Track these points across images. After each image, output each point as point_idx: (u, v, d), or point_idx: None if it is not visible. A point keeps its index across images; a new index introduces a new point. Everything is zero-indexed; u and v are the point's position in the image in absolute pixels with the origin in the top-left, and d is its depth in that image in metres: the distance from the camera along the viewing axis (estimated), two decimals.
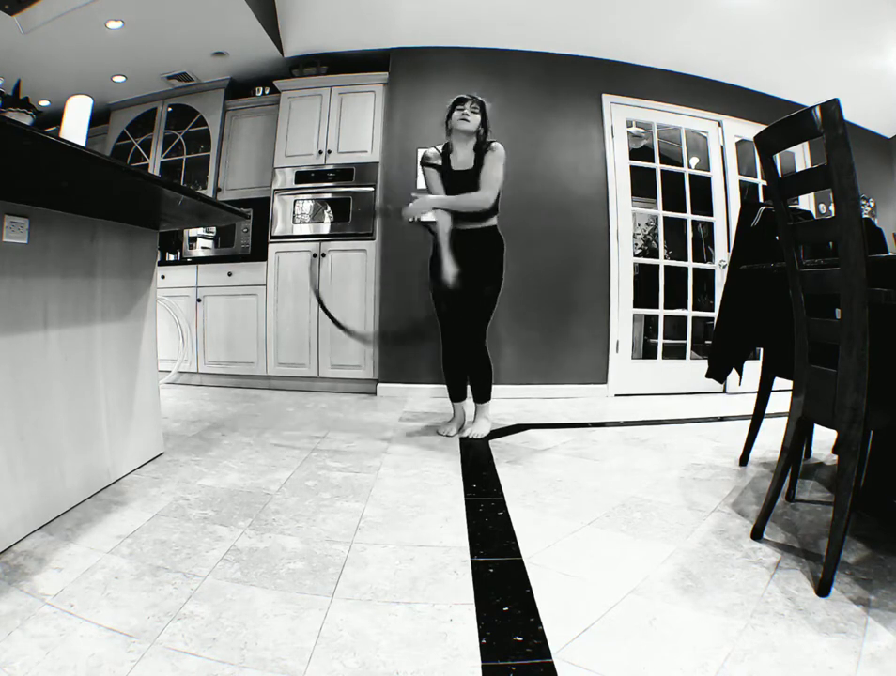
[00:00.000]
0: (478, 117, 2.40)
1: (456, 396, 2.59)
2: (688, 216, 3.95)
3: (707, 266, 4.08)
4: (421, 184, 3.46)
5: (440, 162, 2.46)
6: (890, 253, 2.00)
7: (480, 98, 2.43)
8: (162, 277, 3.80)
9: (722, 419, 3.05)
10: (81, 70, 3.73)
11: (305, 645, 0.98)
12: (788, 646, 0.98)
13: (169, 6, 3.10)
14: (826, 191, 1.17)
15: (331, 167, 3.76)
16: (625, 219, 3.80)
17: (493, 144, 2.41)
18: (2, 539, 1.28)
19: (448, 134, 2.47)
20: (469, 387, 2.56)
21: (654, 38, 3.62)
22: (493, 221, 2.45)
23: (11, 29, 3.04)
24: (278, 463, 2.07)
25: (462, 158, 2.43)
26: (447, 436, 2.52)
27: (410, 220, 2.40)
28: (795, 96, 4.00)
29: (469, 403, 2.63)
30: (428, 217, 2.41)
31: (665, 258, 3.99)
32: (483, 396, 2.52)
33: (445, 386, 2.62)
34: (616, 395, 3.74)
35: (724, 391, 3.84)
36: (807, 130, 1.19)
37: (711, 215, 4.00)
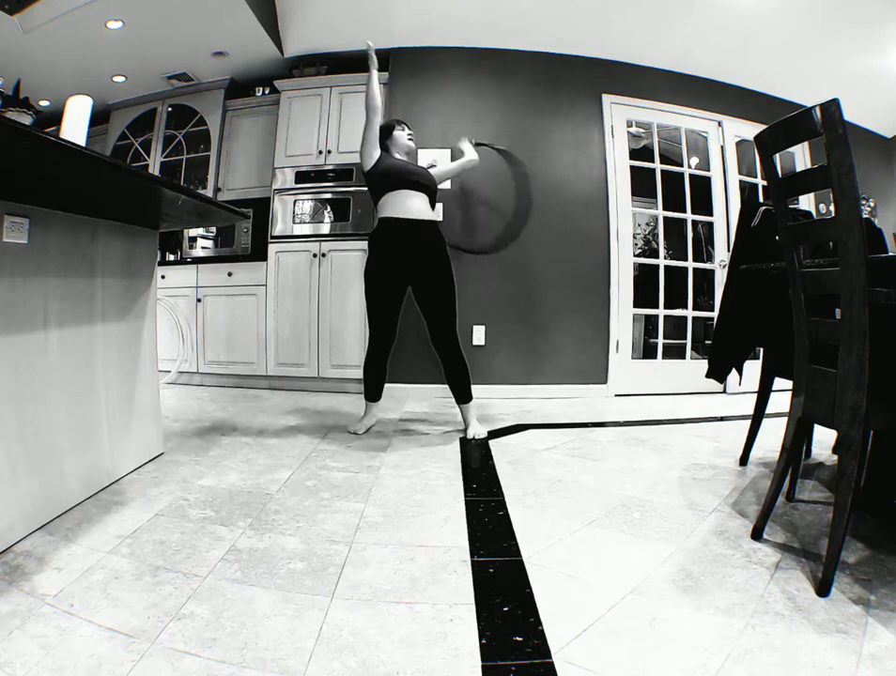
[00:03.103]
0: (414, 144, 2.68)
1: (374, 396, 2.62)
2: (688, 216, 3.95)
3: (707, 266, 4.08)
4: None
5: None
6: (890, 253, 2.00)
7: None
8: (162, 277, 3.81)
9: (722, 419, 3.05)
10: (81, 70, 3.73)
11: (305, 645, 0.98)
12: (788, 646, 0.98)
13: (169, 6, 3.10)
14: (826, 191, 1.17)
15: (331, 167, 3.76)
16: (625, 219, 3.80)
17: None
18: (2, 539, 1.28)
19: (386, 140, 2.60)
20: (452, 391, 2.55)
21: (654, 39, 3.61)
22: (439, 215, 2.56)
23: (11, 29, 3.04)
24: (278, 463, 2.08)
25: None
26: (355, 433, 2.55)
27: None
28: (795, 96, 4.00)
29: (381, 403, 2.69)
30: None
31: (665, 258, 3.99)
32: (469, 396, 2.54)
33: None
34: (616, 395, 3.74)
35: (724, 391, 3.84)
36: (807, 130, 1.19)
37: (711, 215, 4.00)
